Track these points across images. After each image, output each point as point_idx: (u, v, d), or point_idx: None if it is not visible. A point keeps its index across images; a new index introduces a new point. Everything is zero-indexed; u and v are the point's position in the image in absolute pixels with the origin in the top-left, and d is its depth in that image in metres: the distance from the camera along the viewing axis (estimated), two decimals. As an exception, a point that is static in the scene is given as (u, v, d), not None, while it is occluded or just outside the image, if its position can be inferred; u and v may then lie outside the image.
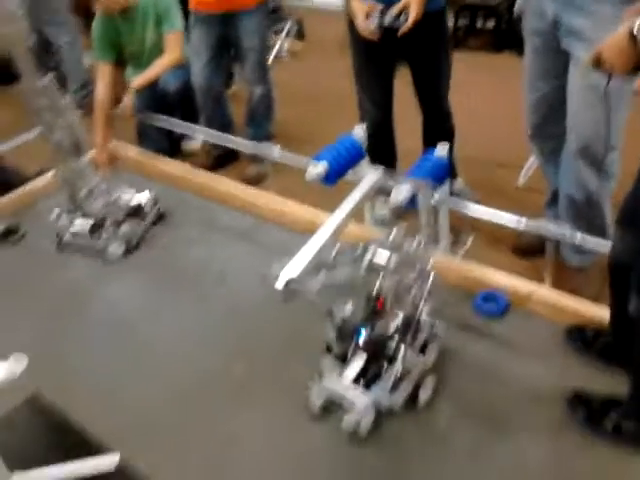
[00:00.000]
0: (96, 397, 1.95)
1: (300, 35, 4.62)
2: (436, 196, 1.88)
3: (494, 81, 3.73)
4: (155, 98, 3.08)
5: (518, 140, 2.88)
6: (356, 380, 1.74)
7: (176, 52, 2.98)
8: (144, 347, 2.12)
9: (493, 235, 2.40)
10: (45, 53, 3.90)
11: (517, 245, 2.36)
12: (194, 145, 3.39)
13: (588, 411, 1.66)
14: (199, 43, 2.88)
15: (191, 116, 3.19)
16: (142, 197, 2.70)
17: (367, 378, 1.74)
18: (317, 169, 1.95)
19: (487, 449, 1.66)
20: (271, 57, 4.07)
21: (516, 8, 4.08)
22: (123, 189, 2.70)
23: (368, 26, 2.13)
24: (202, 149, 3.35)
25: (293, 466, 1.69)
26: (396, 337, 1.73)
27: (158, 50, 3.02)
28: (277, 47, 4.32)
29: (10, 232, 2.72)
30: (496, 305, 2.06)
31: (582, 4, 1.72)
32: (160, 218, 2.74)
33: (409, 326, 1.75)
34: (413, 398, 1.75)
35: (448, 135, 2.45)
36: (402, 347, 1.73)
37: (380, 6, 2.12)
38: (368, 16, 2.12)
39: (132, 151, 3.19)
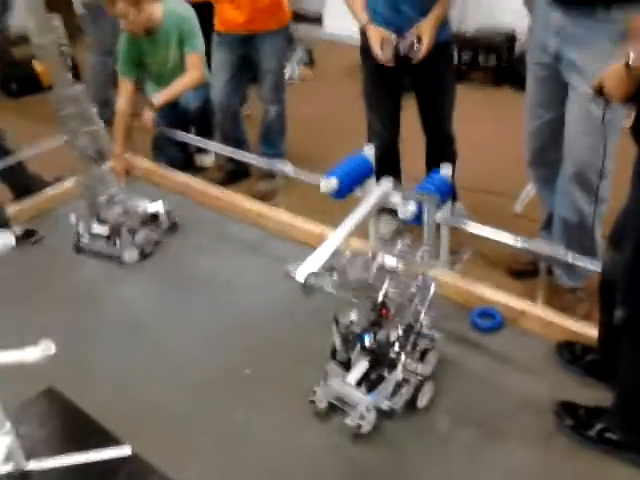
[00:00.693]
0: (109, 391, 2.05)
1: (310, 62, 4.81)
2: (439, 213, 2.02)
3: (493, 114, 3.91)
4: (175, 115, 3.23)
5: (515, 170, 3.04)
6: (358, 384, 1.85)
7: (197, 73, 3.14)
8: (156, 346, 2.23)
9: (489, 257, 2.53)
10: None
11: (512, 267, 2.49)
12: (207, 160, 3.53)
13: (575, 420, 1.77)
14: (221, 62, 3.04)
15: (206, 133, 3.34)
16: (157, 207, 2.83)
17: (369, 382, 1.85)
18: (330, 184, 2.09)
19: (480, 453, 1.77)
20: (283, 81, 4.23)
21: (517, 46, 4.31)
22: (139, 198, 2.83)
23: (384, 53, 2.30)
24: (215, 164, 3.49)
25: (298, 459, 1.79)
26: (397, 345, 1.86)
27: (179, 69, 3.17)
28: (288, 73, 4.49)
29: (29, 234, 2.84)
30: (492, 321, 2.19)
31: (582, 40, 1.88)
32: (173, 228, 2.86)
33: (410, 335, 1.87)
34: (412, 403, 1.86)
35: (451, 158, 2.59)
36: (403, 355, 1.85)
37: (394, 36, 2.29)
38: (383, 44, 2.29)
39: (147, 163, 3.33)
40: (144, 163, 3.32)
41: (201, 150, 3.50)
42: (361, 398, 1.81)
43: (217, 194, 3.04)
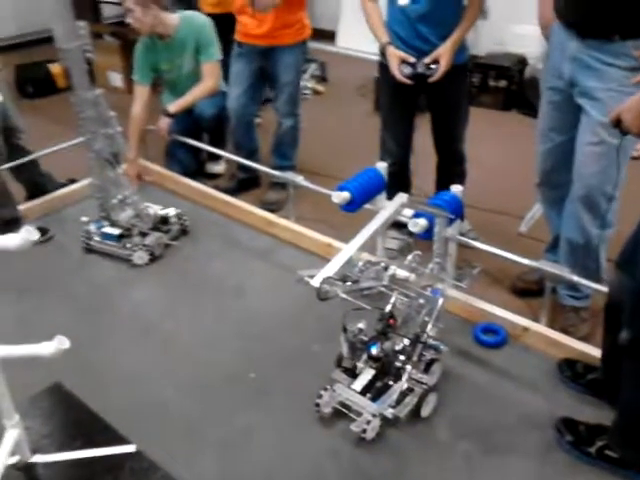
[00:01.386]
0: (115, 390, 2.07)
1: (323, 77, 4.88)
2: (449, 229, 2.06)
3: (501, 136, 3.98)
4: (189, 122, 3.28)
5: (521, 191, 3.09)
6: (364, 392, 1.89)
7: (212, 81, 3.20)
8: (163, 347, 2.26)
9: (494, 275, 2.58)
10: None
11: (516, 285, 2.53)
12: (218, 168, 3.58)
13: (575, 436, 1.80)
14: (240, 72, 3.10)
15: (219, 141, 3.40)
16: (168, 211, 2.88)
17: (374, 391, 1.88)
18: (342, 196, 2.14)
19: (479, 465, 1.80)
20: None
21: (527, 71, 4.37)
22: (150, 202, 2.87)
23: (402, 72, 2.36)
24: (227, 172, 3.54)
25: (300, 464, 1.82)
26: (403, 356, 1.90)
27: (194, 77, 3.23)
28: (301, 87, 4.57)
29: (41, 232, 2.87)
30: (495, 337, 2.23)
31: (596, 69, 1.94)
32: (184, 232, 2.91)
33: (416, 345, 1.90)
34: (416, 412, 1.89)
35: (461, 177, 2.65)
36: (409, 365, 1.88)
37: (412, 58, 2.36)
38: (401, 64, 2.36)
39: (160, 169, 3.38)
40: (156, 169, 3.37)
41: (213, 158, 3.56)
42: (367, 405, 1.84)
43: (228, 201, 3.09)
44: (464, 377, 2.09)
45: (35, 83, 4.75)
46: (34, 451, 1.80)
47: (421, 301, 1.91)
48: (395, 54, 2.37)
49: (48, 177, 3.22)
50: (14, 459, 1.74)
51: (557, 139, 2.18)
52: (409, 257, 1.89)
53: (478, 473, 1.78)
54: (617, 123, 1.50)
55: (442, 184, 2.65)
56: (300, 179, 2.77)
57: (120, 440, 1.87)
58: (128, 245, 2.72)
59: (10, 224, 2.74)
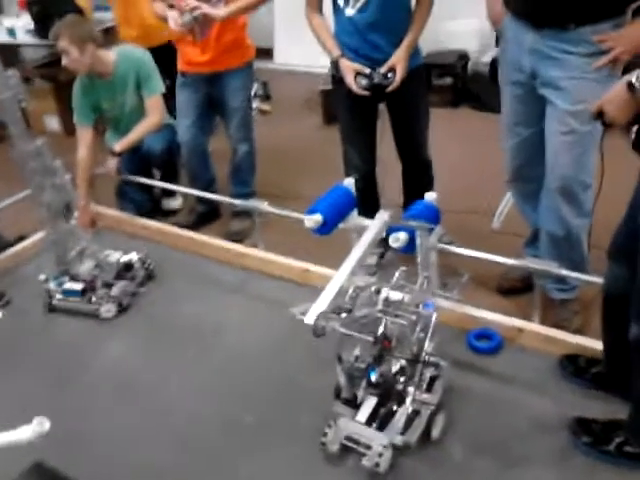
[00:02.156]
0: (102, 457, 1.93)
1: (267, 96, 4.79)
2: (431, 239, 1.99)
3: (455, 134, 3.95)
4: (138, 159, 3.14)
5: (484, 187, 3.07)
6: (369, 423, 1.79)
7: (157, 116, 3.06)
8: (148, 404, 2.12)
9: (477, 279, 2.51)
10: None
11: (501, 285, 2.49)
12: (175, 204, 3.44)
13: (592, 436, 1.75)
14: (186, 102, 2.98)
15: (171, 176, 3.26)
16: (130, 257, 2.72)
17: (379, 419, 1.79)
18: (313, 219, 2.04)
19: (498, 476, 1.73)
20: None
21: (470, 66, 4.39)
22: (110, 250, 2.72)
23: (359, 84, 2.28)
24: (185, 207, 3.41)
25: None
26: (404, 377, 1.81)
27: (138, 114, 3.09)
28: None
29: (-5, 297, 2.69)
30: (490, 342, 2.17)
31: (554, 57, 1.91)
32: (149, 277, 2.76)
33: (415, 366, 1.82)
34: (426, 435, 1.81)
35: (428, 183, 2.59)
36: (410, 387, 1.80)
37: (366, 68, 2.29)
38: (356, 76, 2.28)
39: (114, 212, 3.23)
40: (110, 212, 3.22)
41: (168, 194, 3.42)
42: (376, 436, 1.75)
43: (191, 237, 2.96)
44: (466, 390, 2.01)
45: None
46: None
47: (413, 318, 1.84)
48: (349, 67, 2.30)
49: (-2, 237, 3.03)
50: None
51: (524, 133, 2.14)
52: (396, 274, 1.80)
53: (500, 489, 1.71)
54: (599, 115, 1.45)
55: (411, 192, 2.59)
56: (265, 205, 2.66)
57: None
58: (93, 299, 2.56)
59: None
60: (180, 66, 2.98)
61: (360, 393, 1.85)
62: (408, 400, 1.79)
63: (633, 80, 1.35)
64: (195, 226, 3.14)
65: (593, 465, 1.73)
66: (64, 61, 2.88)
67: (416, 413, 1.81)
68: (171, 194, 3.41)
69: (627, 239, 1.59)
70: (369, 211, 2.05)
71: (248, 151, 3.08)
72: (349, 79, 2.29)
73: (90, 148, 3.06)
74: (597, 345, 1.96)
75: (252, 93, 4.54)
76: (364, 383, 1.84)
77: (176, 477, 1.84)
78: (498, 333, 2.18)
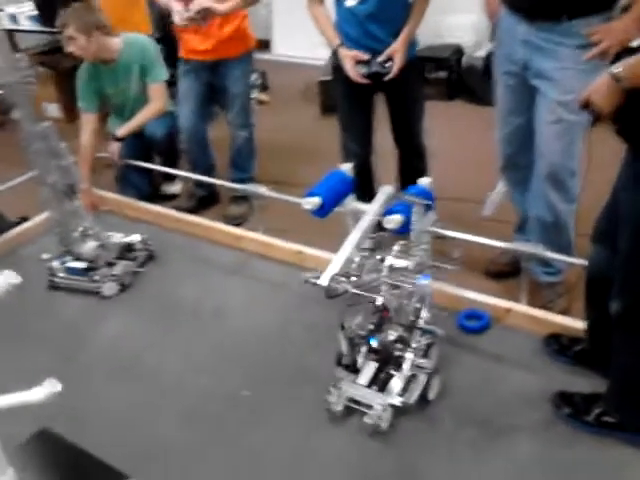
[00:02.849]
0: (107, 429, 1.99)
1: (265, 86, 4.87)
2: (426, 218, 2.08)
3: (449, 126, 4.04)
4: (140, 145, 3.22)
5: (476, 176, 3.15)
6: (369, 386, 1.92)
7: (160, 102, 3.15)
8: (150, 378, 2.19)
9: (467, 264, 2.59)
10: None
11: (490, 269, 2.58)
12: (174, 188, 3.52)
13: (572, 408, 1.85)
14: (188, 90, 3.06)
15: (172, 161, 3.33)
16: (132, 238, 2.80)
17: (379, 382, 1.92)
18: (312, 202, 2.12)
19: (485, 449, 1.83)
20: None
21: (464, 60, 4.48)
22: (112, 231, 2.80)
23: (358, 72, 2.37)
24: (184, 192, 3.48)
25: (316, 467, 1.82)
26: (402, 344, 1.92)
27: (141, 100, 3.17)
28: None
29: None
30: (479, 322, 2.26)
31: (547, 49, 2.00)
32: (150, 258, 2.84)
33: (412, 332, 1.93)
34: (422, 397, 1.93)
35: (423, 170, 2.68)
36: (408, 353, 1.91)
37: (366, 55, 2.37)
38: (355, 63, 2.37)
39: (115, 196, 3.30)
40: (112, 196, 3.29)
41: (168, 179, 3.49)
42: (377, 397, 1.87)
43: (191, 220, 3.04)
44: (456, 365, 2.11)
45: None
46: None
47: (410, 289, 1.93)
48: (348, 54, 2.38)
49: (1, 218, 3.09)
50: (12, 515, 1.66)
51: (516, 122, 2.24)
52: (395, 247, 1.90)
53: (485, 456, 1.80)
54: (586, 105, 1.53)
55: (406, 179, 2.67)
56: (264, 190, 2.74)
57: (117, 476, 1.80)
58: (96, 277, 2.63)
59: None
60: (182, 53, 3.05)
61: (360, 359, 1.97)
62: (406, 365, 1.90)
63: (617, 71, 1.44)
64: (195, 210, 3.22)
65: (574, 435, 1.83)
66: (71, 48, 2.95)
67: (413, 377, 1.93)
68: (171, 179, 3.49)
69: (609, 223, 1.69)
70: (365, 196, 2.14)
71: (248, 137, 3.16)
72: (348, 66, 2.38)
73: (93, 133, 3.14)
74: (579, 325, 2.06)
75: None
76: (364, 349, 1.96)
77: (178, 446, 1.92)
78: (487, 313, 2.27)
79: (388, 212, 2.01)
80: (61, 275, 2.68)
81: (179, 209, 3.18)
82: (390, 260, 1.82)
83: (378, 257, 1.83)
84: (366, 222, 1.77)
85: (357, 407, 1.91)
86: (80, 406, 2.07)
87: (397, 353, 1.91)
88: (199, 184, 3.23)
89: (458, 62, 4.47)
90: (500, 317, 2.27)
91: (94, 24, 2.92)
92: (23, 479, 1.73)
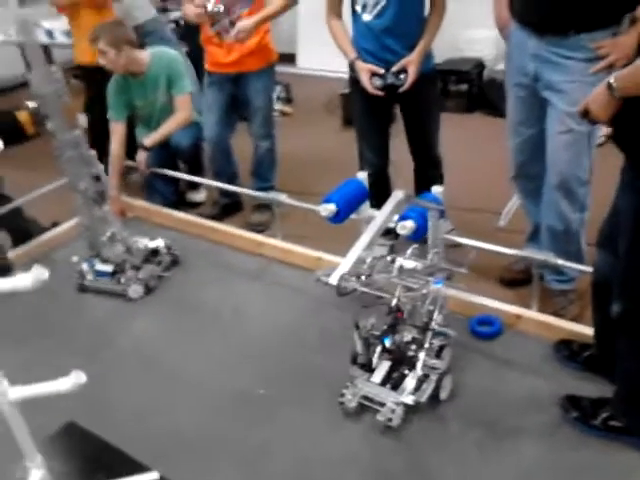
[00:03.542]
0: (128, 423, 2.09)
1: (288, 99, 4.98)
2: (440, 223, 2.14)
3: (468, 138, 4.11)
4: (166, 154, 3.34)
5: (492, 188, 3.19)
6: (383, 384, 1.99)
7: (185, 113, 3.28)
8: (172, 376, 2.28)
9: (480, 271, 2.65)
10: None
11: (503, 276, 2.63)
12: (199, 197, 3.64)
13: (580, 411, 1.89)
14: (212, 101, 3.17)
15: (197, 170, 3.46)
16: (157, 243, 2.92)
17: (392, 382, 1.98)
18: (328, 209, 2.21)
19: (492, 450, 1.87)
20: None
21: (485, 73, 4.54)
22: (139, 236, 2.91)
23: (373, 84, 2.46)
24: (209, 200, 3.60)
25: (320, 469, 1.87)
26: (415, 345, 1.99)
27: (168, 111, 3.30)
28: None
29: (31, 277, 2.88)
30: (491, 327, 2.31)
31: (556, 62, 2.07)
32: (174, 263, 2.94)
33: (426, 334, 2.00)
34: (434, 397, 1.99)
35: (438, 181, 2.74)
36: (421, 354, 1.98)
37: (382, 69, 2.46)
38: (371, 76, 2.46)
39: (142, 203, 3.43)
40: (140, 203, 3.42)
41: (193, 187, 3.61)
42: (390, 394, 1.94)
43: (215, 227, 3.15)
44: (467, 368, 2.16)
45: (2, 132, 4.73)
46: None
47: (424, 291, 2.00)
48: (364, 67, 2.47)
49: (33, 222, 3.24)
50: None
51: (526, 132, 2.29)
52: (409, 251, 1.97)
53: (493, 457, 1.85)
54: (585, 114, 1.60)
55: (421, 189, 2.73)
56: (284, 197, 2.84)
57: (142, 469, 1.88)
58: (122, 280, 2.75)
59: (1, 272, 2.75)
60: (207, 66, 3.17)
61: (374, 359, 2.04)
62: (419, 365, 1.97)
63: (611, 81, 1.50)
64: (218, 217, 3.32)
65: (581, 438, 1.86)
66: (102, 61, 3.10)
67: (426, 376, 1.99)
68: (196, 187, 3.61)
69: (611, 228, 1.74)
70: (380, 204, 2.20)
71: (269, 148, 3.26)
72: (364, 79, 2.47)
73: (122, 142, 3.28)
74: (589, 331, 2.09)
75: (274, 95, 4.77)
76: (379, 349, 2.03)
77: (194, 440, 2.00)
78: (499, 319, 2.32)
79: (401, 218, 2.09)
80: (89, 278, 2.80)
81: (203, 216, 3.29)
82: (400, 261, 1.88)
83: (389, 258, 1.89)
84: (377, 224, 1.83)
85: (370, 404, 1.97)
86: (105, 401, 2.17)
87: (410, 353, 1.98)
88: (223, 192, 3.34)
89: (479, 75, 4.53)
90: (512, 323, 2.32)
91: (123, 38, 3.07)
92: (51, 468, 1.85)
